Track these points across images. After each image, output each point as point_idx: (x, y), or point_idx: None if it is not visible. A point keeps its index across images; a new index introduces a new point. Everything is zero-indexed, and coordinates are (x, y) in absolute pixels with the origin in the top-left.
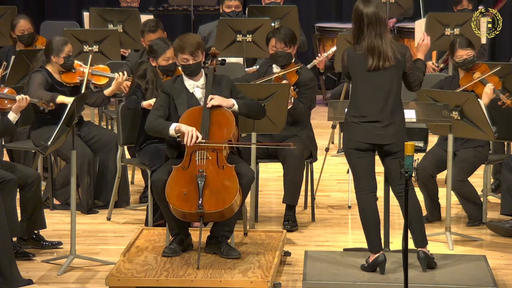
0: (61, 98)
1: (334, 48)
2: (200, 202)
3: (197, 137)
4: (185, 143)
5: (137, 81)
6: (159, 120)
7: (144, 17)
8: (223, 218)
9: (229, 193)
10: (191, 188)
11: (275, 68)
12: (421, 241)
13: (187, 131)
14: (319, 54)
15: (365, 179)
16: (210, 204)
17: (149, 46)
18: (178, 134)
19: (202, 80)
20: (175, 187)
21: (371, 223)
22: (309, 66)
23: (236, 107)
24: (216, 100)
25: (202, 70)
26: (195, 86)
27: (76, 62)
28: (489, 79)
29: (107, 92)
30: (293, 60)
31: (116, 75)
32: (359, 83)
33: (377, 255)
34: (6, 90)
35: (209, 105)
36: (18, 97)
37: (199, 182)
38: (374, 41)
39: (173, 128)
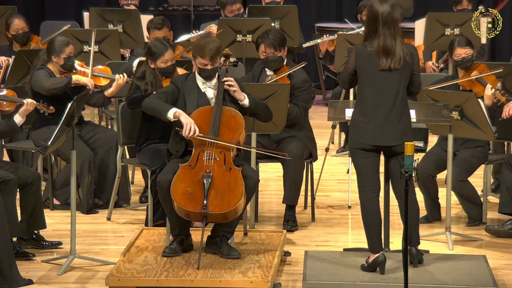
0: (76, 77)
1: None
2: (205, 202)
3: (195, 131)
4: (182, 133)
5: (136, 83)
6: (160, 100)
7: (144, 17)
8: (227, 220)
9: (234, 195)
10: (197, 187)
11: (268, 71)
12: (415, 240)
13: (186, 122)
14: (322, 36)
15: (368, 179)
16: (215, 205)
17: (147, 48)
18: (175, 120)
19: (214, 81)
20: (180, 185)
21: (373, 223)
22: (309, 44)
23: (246, 101)
24: (233, 81)
25: None
26: (207, 86)
27: (77, 62)
28: (486, 78)
29: (108, 93)
30: (285, 62)
31: (116, 76)
32: (367, 82)
33: (377, 255)
34: (4, 92)
35: (224, 80)
36: (25, 101)
37: (205, 182)
38: (388, 41)
39: (173, 112)
